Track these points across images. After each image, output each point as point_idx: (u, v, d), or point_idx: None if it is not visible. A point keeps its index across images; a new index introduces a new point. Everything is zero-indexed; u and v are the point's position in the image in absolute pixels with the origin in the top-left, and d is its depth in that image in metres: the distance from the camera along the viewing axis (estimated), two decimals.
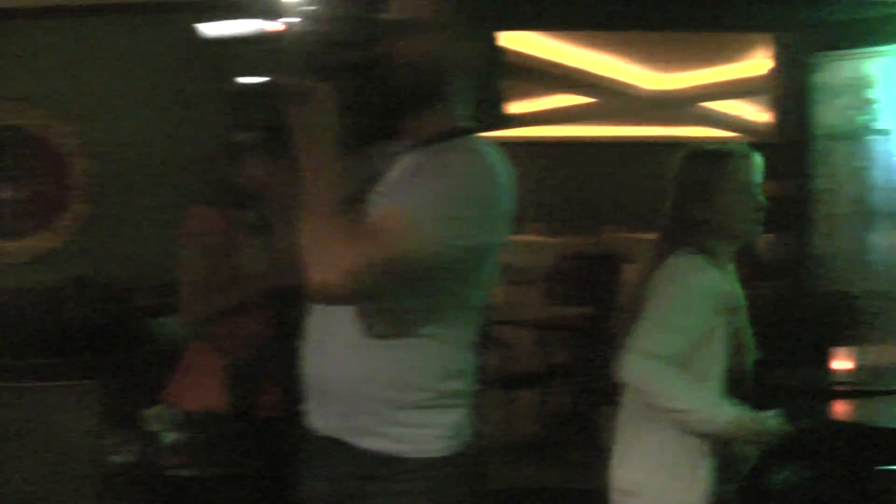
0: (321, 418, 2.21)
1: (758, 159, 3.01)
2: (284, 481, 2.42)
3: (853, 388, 4.83)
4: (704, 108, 9.24)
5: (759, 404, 5.19)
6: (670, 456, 2.89)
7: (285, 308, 3.25)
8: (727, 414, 2.82)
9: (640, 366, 2.84)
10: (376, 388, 2.11)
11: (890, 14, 5.94)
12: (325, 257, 1.94)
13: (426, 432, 2.13)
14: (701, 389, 2.88)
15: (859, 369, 5.12)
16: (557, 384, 6.87)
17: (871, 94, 6.11)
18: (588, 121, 9.35)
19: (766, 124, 7.03)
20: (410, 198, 2.01)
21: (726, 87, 8.61)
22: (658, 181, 7.95)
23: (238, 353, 3.51)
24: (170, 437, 3.58)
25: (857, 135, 6.15)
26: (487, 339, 2.29)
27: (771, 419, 2.83)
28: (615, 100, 8.86)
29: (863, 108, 6.13)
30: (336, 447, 2.16)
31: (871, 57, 6.12)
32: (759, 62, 7.63)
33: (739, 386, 2.97)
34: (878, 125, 6.10)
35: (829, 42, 6.23)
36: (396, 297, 2.05)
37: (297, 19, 1.98)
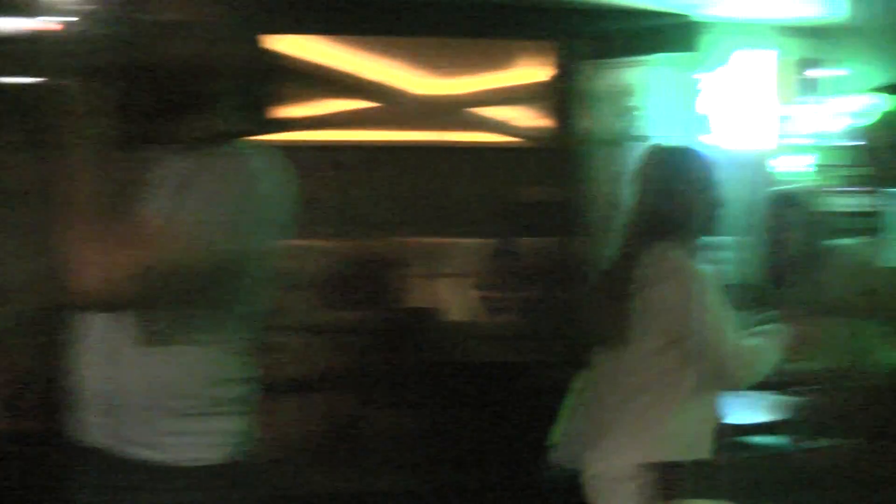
0: (90, 429, 2.13)
1: (716, 158, 3.29)
2: (54, 496, 2.33)
3: None
4: (479, 114, 9.36)
5: (528, 405, 5.31)
6: (673, 435, 3.07)
7: (53, 318, 3.13)
8: (783, 331, 3.23)
9: (741, 361, 3.10)
10: (145, 396, 2.05)
11: (652, 25, 6.17)
12: (92, 263, 1.88)
13: (198, 440, 2.08)
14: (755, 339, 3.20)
15: None
16: (339, 388, 6.83)
17: (635, 101, 6.33)
18: (364, 125, 9.33)
19: (538, 130, 7.18)
20: (177, 203, 1.96)
21: (500, 93, 8.74)
22: (432, 185, 8.02)
23: (2, 368, 3.36)
24: None
25: (622, 141, 6.35)
26: (267, 344, 2.26)
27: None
28: (391, 104, 8.88)
29: (627, 115, 6.34)
30: (106, 458, 2.10)
31: (635, 66, 6.34)
32: (531, 69, 7.79)
33: None
34: (641, 132, 6.32)
35: (598, 51, 6.42)
36: (165, 303, 2.00)
37: (61, 18, 1.91)
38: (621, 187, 6.34)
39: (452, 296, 6.65)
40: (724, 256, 6.22)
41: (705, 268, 3.12)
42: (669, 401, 3.08)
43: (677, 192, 3.17)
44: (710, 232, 3.28)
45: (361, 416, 6.55)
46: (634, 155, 6.51)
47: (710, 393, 3.11)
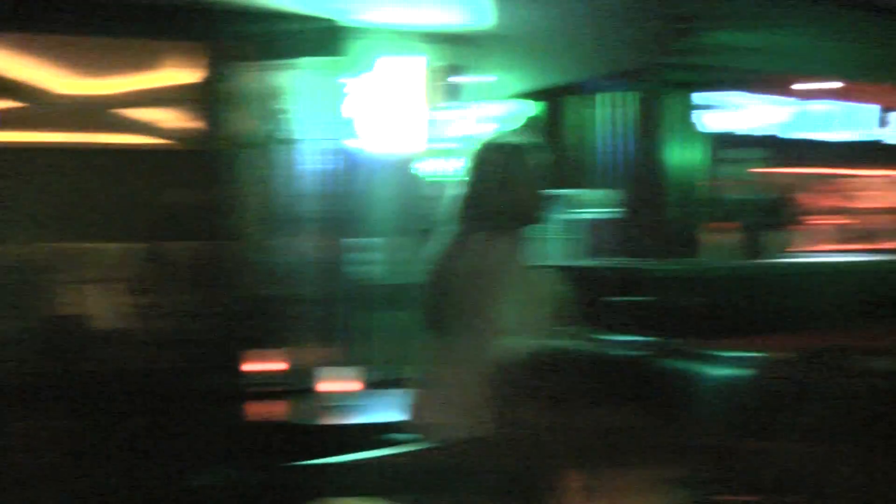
0: None
1: (543, 153, 3.41)
2: None
3: (278, 388, 4.95)
4: (126, 115, 9.08)
5: (185, 411, 5.18)
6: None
7: None
8: None
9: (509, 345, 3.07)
10: None
11: (300, 29, 6.16)
12: None
13: None
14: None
15: (283, 370, 5.25)
16: None
17: (283, 104, 6.30)
18: (4, 126, 8.87)
19: (186, 132, 7.04)
20: None
21: (147, 95, 8.52)
22: (78, 189, 7.68)
23: None
24: None
25: (269, 143, 6.31)
26: None
27: None
28: (33, 105, 8.48)
29: (275, 117, 6.30)
30: None
31: (283, 69, 6.31)
32: (178, 71, 7.62)
33: None
34: (288, 135, 6.30)
35: (245, 53, 6.36)
36: None
37: None
38: (270, 189, 6.36)
39: (99, 302, 6.41)
40: (373, 258, 6.30)
41: (532, 259, 3.30)
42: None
43: (502, 185, 3.31)
44: (536, 222, 3.40)
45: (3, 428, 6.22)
46: (284, 158, 6.61)
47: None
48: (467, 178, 3.41)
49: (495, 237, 3.28)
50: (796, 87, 7.22)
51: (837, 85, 7.35)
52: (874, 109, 7.80)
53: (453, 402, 3.29)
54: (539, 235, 6.45)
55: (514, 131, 4.10)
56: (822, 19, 6.52)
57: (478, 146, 3.48)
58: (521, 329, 3.20)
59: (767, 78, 6.98)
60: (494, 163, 3.39)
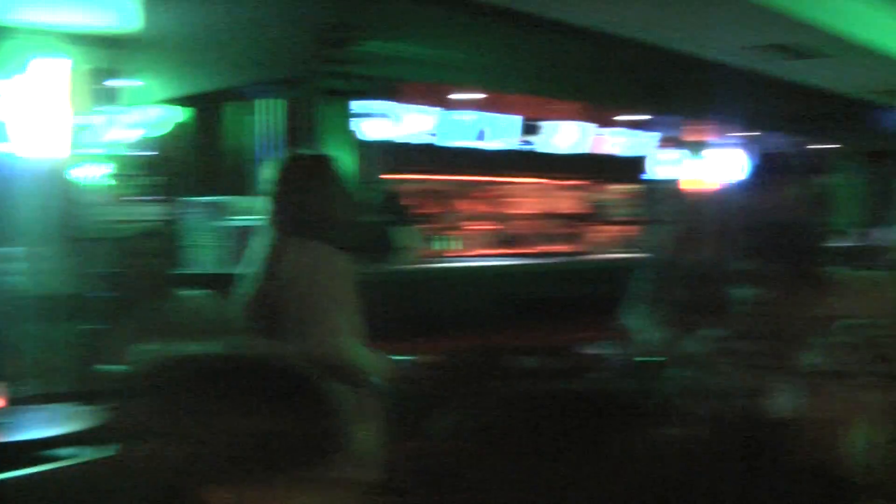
0: None
1: (344, 163, 3.76)
2: None
3: None
4: None
5: None
6: None
7: None
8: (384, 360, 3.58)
9: (339, 343, 3.37)
10: None
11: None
12: None
13: None
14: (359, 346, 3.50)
15: None
16: None
17: None
18: None
19: None
20: None
21: None
22: None
23: None
24: None
25: None
26: None
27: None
28: None
29: None
30: None
31: None
32: None
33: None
34: None
35: None
36: None
37: None
38: None
39: None
40: (19, 267, 6.05)
41: (344, 263, 3.47)
42: None
43: (315, 194, 3.53)
44: (346, 227, 3.59)
45: None
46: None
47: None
48: (276, 188, 3.58)
49: (306, 243, 3.46)
50: (452, 96, 7.48)
51: (491, 95, 7.67)
52: (521, 120, 8.17)
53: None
54: (194, 244, 6.42)
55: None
56: (476, 32, 6.77)
57: (284, 157, 3.75)
58: (338, 330, 3.40)
59: (423, 88, 7.19)
60: (301, 173, 3.59)
